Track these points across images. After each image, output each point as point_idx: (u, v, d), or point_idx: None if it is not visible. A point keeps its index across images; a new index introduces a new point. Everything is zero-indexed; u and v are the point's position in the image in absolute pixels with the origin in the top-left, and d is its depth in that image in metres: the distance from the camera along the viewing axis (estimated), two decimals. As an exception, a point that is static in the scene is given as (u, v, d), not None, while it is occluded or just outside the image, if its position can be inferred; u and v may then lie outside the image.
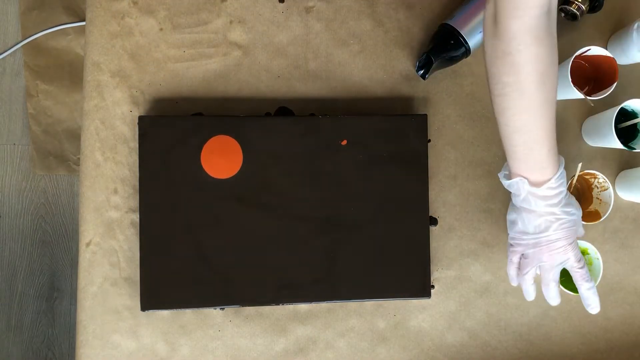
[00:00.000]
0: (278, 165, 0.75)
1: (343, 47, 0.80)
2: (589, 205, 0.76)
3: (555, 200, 0.64)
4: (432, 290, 0.79)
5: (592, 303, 0.68)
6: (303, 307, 0.78)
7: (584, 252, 0.75)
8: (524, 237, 0.67)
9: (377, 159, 0.76)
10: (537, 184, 0.63)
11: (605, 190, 0.74)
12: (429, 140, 0.79)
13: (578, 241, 0.69)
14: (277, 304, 0.75)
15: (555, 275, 0.67)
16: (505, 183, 0.66)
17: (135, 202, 0.76)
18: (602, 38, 0.82)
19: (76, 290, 0.76)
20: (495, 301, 0.79)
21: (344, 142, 0.75)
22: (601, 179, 0.74)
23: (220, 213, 0.74)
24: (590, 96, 0.73)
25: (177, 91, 0.78)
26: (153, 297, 0.73)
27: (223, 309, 0.76)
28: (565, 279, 0.73)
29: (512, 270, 0.71)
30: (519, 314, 0.80)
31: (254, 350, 0.77)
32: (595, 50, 0.73)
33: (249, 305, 0.76)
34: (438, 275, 0.79)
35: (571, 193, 0.78)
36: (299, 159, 0.75)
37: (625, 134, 0.75)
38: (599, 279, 0.73)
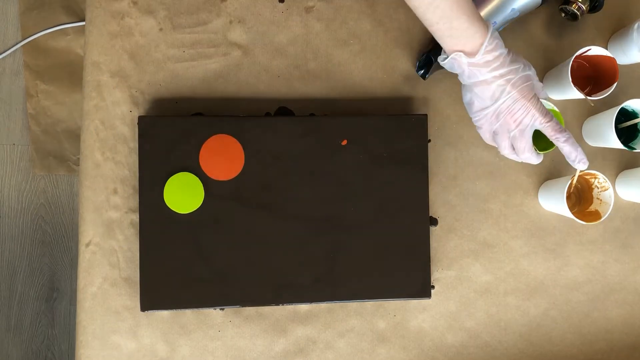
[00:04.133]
0: (278, 165, 0.74)
1: (343, 47, 0.79)
2: (589, 205, 0.76)
3: (498, 63, 0.63)
4: (432, 291, 0.78)
5: (575, 156, 0.65)
6: (303, 307, 0.77)
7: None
8: (485, 112, 0.66)
9: (377, 159, 0.75)
10: (472, 53, 0.63)
11: (605, 190, 0.74)
12: (429, 140, 0.79)
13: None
14: (277, 304, 0.75)
15: (528, 142, 0.65)
16: (443, 64, 0.65)
17: (135, 202, 0.76)
18: (603, 38, 0.82)
19: (76, 290, 0.76)
20: (496, 301, 0.79)
21: (344, 142, 0.75)
22: (601, 179, 0.74)
23: (220, 213, 0.74)
24: (590, 96, 0.73)
25: (177, 91, 0.78)
26: (153, 298, 0.73)
27: (223, 309, 0.76)
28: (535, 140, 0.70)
29: (505, 150, 0.68)
30: (519, 314, 0.80)
31: (254, 351, 0.77)
32: (596, 50, 0.73)
33: (248, 306, 0.76)
34: (438, 276, 0.79)
35: (571, 193, 0.78)
36: (298, 159, 0.75)
37: (625, 134, 0.75)
38: None
